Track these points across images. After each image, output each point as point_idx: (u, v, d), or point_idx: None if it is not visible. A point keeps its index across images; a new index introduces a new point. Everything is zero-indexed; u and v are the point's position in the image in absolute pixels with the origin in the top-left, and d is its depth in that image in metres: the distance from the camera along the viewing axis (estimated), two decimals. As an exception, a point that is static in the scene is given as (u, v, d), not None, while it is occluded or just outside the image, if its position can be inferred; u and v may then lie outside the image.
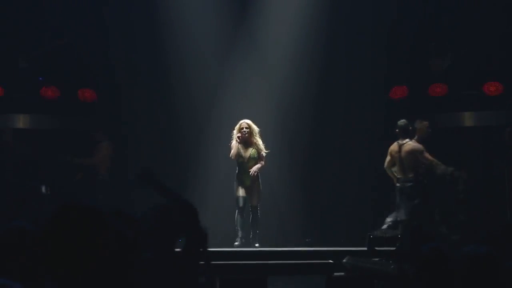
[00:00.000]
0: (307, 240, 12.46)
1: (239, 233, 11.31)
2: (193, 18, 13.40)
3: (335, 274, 10.19)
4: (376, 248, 10.65)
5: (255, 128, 11.24)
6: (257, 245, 11.21)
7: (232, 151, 11.20)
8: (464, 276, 3.26)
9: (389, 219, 10.93)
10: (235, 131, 11.24)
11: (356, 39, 13.20)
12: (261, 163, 11.20)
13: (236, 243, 11.33)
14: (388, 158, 11.05)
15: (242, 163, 11.23)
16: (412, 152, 10.83)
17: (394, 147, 11.01)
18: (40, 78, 12.71)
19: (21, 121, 12.86)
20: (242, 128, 11.19)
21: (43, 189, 11.60)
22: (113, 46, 13.13)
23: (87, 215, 2.15)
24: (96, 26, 12.99)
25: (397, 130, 11.02)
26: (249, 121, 11.26)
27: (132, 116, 13.30)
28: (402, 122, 11.03)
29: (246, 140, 11.20)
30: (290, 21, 13.37)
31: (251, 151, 11.22)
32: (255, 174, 11.16)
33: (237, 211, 11.26)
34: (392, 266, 9.64)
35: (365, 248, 10.77)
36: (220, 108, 13.29)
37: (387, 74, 12.90)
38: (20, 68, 12.67)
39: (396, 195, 10.94)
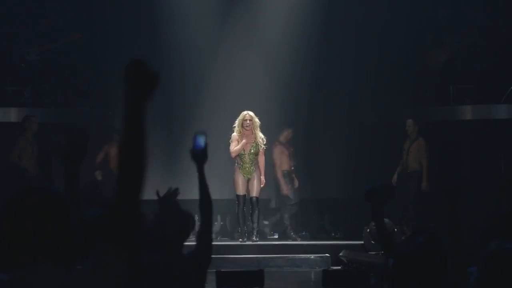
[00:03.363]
0: (303, 233, 12.49)
1: (241, 229, 11.17)
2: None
3: (332, 267, 10.26)
4: (372, 242, 10.70)
5: (257, 121, 10.96)
6: (256, 238, 11.13)
7: (235, 148, 10.93)
8: (492, 274, 3.21)
9: None
10: (237, 122, 10.99)
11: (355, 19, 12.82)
12: (262, 168, 11.04)
13: (240, 239, 11.16)
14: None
15: (242, 157, 11.02)
16: (423, 146, 11.77)
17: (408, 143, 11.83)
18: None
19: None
20: (246, 120, 10.91)
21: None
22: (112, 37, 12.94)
23: (47, 198, 2.10)
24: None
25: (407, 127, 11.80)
26: (252, 113, 10.99)
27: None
28: (412, 120, 11.84)
29: (249, 134, 10.97)
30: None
31: (251, 144, 10.99)
32: (263, 184, 11.11)
33: (237, 208, 11.12)
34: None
35: (362, 242, 10.83)
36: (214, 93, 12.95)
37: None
38: (28, 60, 12.46)
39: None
